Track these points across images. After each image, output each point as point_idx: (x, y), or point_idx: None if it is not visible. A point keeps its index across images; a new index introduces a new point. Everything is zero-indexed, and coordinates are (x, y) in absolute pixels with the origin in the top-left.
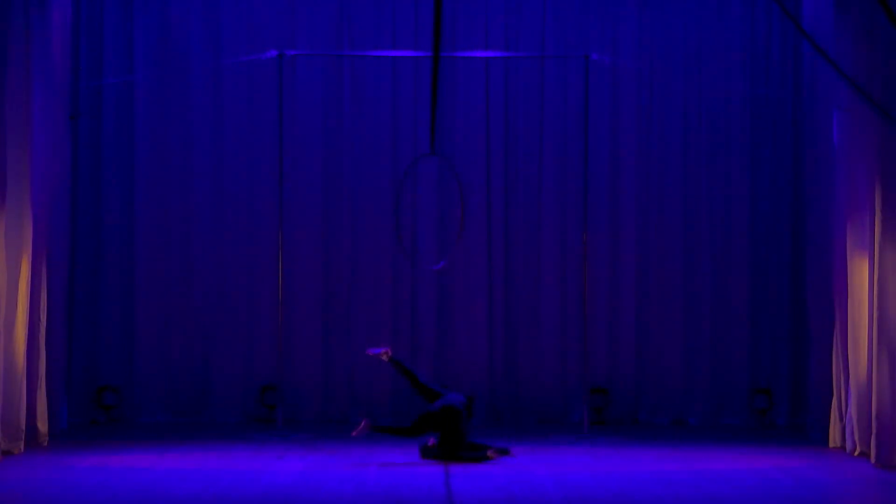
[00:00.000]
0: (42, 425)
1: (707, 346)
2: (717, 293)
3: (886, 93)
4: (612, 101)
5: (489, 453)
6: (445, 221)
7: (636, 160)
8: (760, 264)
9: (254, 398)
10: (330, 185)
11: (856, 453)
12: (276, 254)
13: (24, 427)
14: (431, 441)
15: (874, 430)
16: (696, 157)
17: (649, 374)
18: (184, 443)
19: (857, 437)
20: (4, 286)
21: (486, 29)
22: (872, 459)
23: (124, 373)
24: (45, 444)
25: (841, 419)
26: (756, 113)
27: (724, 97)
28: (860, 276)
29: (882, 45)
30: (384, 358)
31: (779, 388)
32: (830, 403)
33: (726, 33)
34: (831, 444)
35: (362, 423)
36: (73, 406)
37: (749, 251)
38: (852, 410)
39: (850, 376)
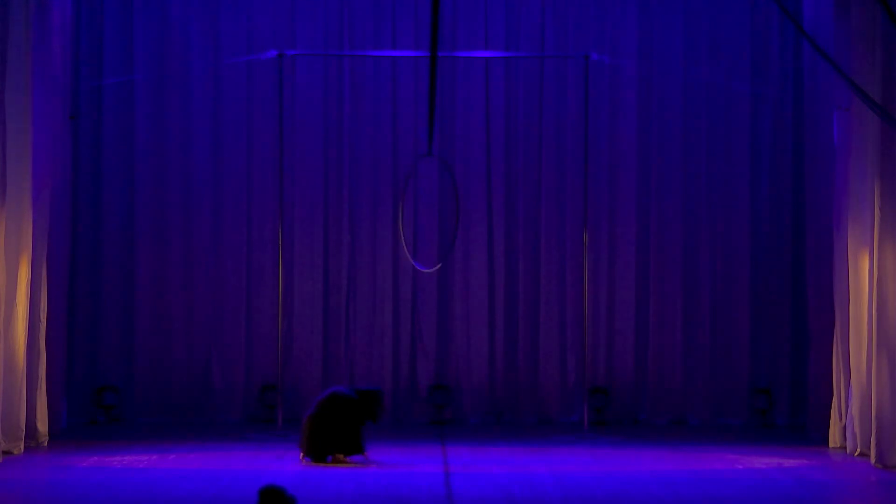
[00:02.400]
0: (42, 425)
1: (707, 346)
2: (717, 293)
3: (886, 93)
4: (612, 101)
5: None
6: (445, 222)
7: (636, 160)
8: (760, 264)
9: (254, 398)
10: (330, 185)
11: (856, 453)
12: (276, 254)
13: (24, 427)
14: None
15: (874, 430)
16: (695, 157)
17: (649, 374)
18: (184, 443)
19: (857, 437)
20: (4, 286)
21: (486, 29)
22: (872, 459)
23: (124, 373)
24: (45, 444)
25: (841, 419)
26: (756, 112)
27: (724, 97)
28: (860, 276)
29: (882, 45)
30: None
31: (779, 388)
32: (830, 403)
33: (726, 33)
34: (831, 444)
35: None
36: (73, 406)
37: (749, 251)
38: (852, 410)
39: (851, 376)
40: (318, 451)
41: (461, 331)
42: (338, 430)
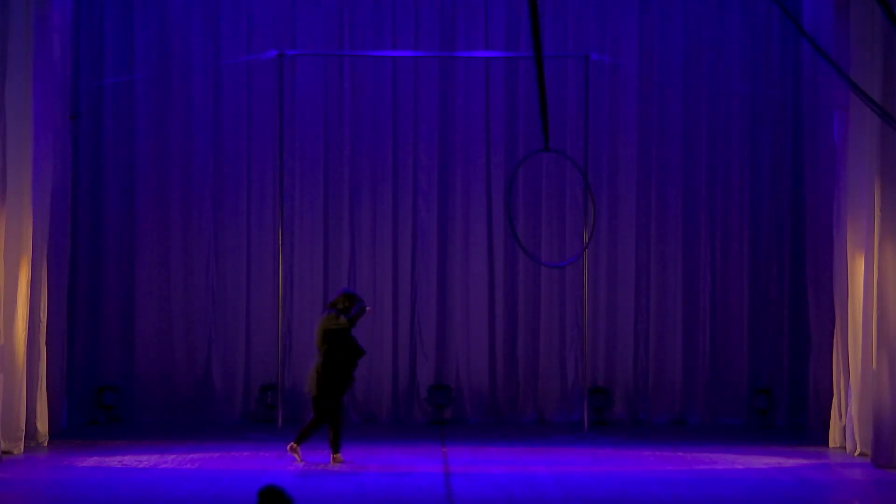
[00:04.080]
0: (42, 425)
1: (707, 346)
2: (716, 293)
3: (886, 93)
4: (612, 101)
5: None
6: (444, 218)
7: (636, 160)
8: (760, 264)
9: (254, 398)
10: (330, 185)
11: (856, 453)
12: (276, 254)
13: (24, 427)
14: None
15: (874, 430)
16: (695, 157)
17: (649, 374)
18: (184, 443)
19: (857, 437)
20: (4, 286)
21: (486, 29)
22: (872, 459)
23: (124, 373)
24: (45, 444)
25: (841, 419)
26: (756, 113)
27: (724, 97)
28: (860, 276)
29: (882, 45)
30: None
31: (779, 388)
32: (830, 403)
33: (726, 33)
34: (831, 444)
35: (291, 447)
36: (73, 406)
37: (749, 251)
38: (852, 410)
39: (850, 376)
40: (333, 370)
41: (461, 331)
42: (336, 346)
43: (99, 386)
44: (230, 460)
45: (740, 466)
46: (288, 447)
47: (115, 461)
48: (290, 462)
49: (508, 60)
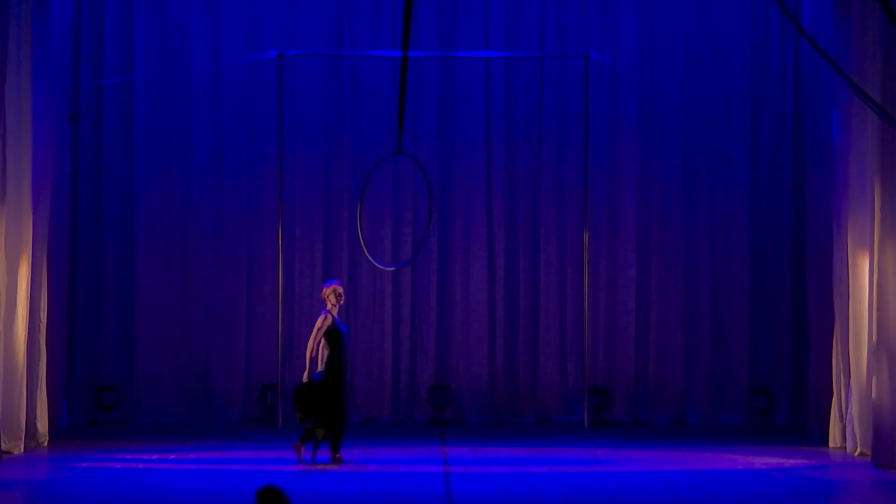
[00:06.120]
0: (42, 425)
1: (707, 346)
2: (717, 293)
3: (886, 93)
4: (612, 101)
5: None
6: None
7: (636, 160)
8: (760, 264)
9: (254, 398)
10: (330, 185)
11: (856, 453)
12: (276, 253)
13: (24, 427)
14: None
15: (874, 430)
16: (695, 157)
17: (649, 374)
18: (184, 443)
19: (857, 437)
20: (4, 286)
21: (486, 29)
22: (872, 459)
23: (124, 373)
24: (45, 444)
25: (841, 419)
26: (756, 113)
27: (724, 97)
28: (860, 276)
29: (882, 45)
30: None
31: (779, 388)
32: (830, 403)
33: (726, 33)
34: (831, 444)
35: (296, 446)
36: (73, 406)
37: (749, 251)
38: (852, 410)
39: (851, 376)
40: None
41: (461, 331)
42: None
43: (99, 386)
44: (230, 460)
45: (740, 466)
46: (294, 445)
47: (115, 461)
48: (289, 462)
49: (508, 60)
